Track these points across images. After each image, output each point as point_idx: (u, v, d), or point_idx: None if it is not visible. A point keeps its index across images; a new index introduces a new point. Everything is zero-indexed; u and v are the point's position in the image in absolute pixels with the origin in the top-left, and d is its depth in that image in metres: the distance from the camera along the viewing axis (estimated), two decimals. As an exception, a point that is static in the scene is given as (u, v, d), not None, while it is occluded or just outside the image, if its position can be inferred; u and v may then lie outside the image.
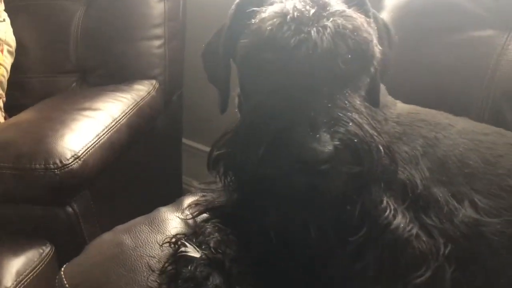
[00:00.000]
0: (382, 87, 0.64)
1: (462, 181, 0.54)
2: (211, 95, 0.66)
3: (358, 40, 0.49)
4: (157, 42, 1.38)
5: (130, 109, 1.14)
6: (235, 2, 0.57)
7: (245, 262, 0.54)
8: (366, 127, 0.48)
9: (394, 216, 0.50)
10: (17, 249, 0.86)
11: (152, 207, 0.81)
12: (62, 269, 0.62)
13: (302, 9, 0.49)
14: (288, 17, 0.49)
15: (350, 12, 0.51)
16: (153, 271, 0.53)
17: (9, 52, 1.32)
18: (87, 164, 0.91)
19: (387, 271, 0.52)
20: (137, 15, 1.38)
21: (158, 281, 0.51)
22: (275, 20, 0.49)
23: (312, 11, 0.49)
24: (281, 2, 0.51)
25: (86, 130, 0.98)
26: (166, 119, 1.41)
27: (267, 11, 0.50)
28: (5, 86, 1.30)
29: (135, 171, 1.21)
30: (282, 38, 0.48)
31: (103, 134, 1.00)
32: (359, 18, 0.51)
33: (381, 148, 0.49)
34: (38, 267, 0.86)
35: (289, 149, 0.45)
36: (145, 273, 0.55)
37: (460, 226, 0.52)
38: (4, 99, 1.30)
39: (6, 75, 1.30)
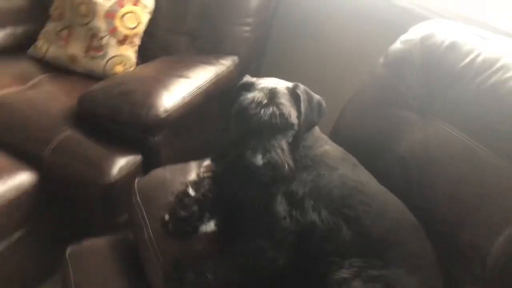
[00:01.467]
0: (317, 135, 1.11)
1: (321, 199, 1.01)
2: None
3: (283, 116, 0.97)
4: (246, 28, 1.89)
5: (211, 79, 1.69)
6: (238, 84, 1.06)
7: (218, 204, 1.10)
8: (282, 156, 0.97)
9: (281, 203, 1.01)
10: (123, 154, 1.50)
11: (202, 155, 1.36)
12: (137, 178, 1.24)
13: (261, 98, 0.97)
14: (254, 101, 0.97)
15: (284, 102, 0.98)
16: (172, 194, 1.11)
17: (148, 13, 1.91)
18: (170, 115, 1.50)
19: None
20: (237, 5, 1.88)
21: (173, 200, 1.09)
22: (248, 101, 0.98)
23: (265, 100, 0.97)
24: (254, 92, 1.00)
25: (177, 92, 1.55)
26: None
27: (247, 95, 0.99)
28: (141, 35, 1.92)
29: (199, 123, 1.76)
30: (249, 109, 0.98)
31: (187, 96, 1.57)
32: (287, 106, 0.98)
33: (286, 166, 0.98)
34: (132, 168, 1.50)
35: (242, 160, 0.97)
36: (170, 195, 1.12)
37: (305, 218, 1.00)
38: (139, 43, 1.92)
39: (143, 29, 1.91)
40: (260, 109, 0.97)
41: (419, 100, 1.18)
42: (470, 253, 0.99)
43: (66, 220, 1.54)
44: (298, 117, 1.03)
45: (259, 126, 0.97)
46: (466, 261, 1.00)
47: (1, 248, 1.42)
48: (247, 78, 1.07)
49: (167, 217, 1.06)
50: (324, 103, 1.10)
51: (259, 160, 0.93)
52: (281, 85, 1.05)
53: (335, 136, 1.30)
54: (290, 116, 0.99)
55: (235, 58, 1.87)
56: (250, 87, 1.03)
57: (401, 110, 1.20)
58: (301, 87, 1.07)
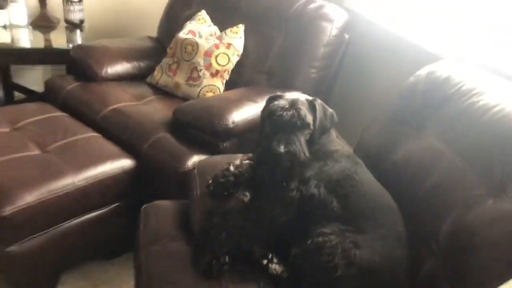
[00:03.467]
0: (332, 138, 1.46)
1: (322, 180, 1.33)
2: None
3: (300, 117, 1.33)
4: (313, 70, 2.32)
5: (275, 106, 2.12)
6: (269, 96, 1.45)
7: (250, 181, 1.49)
8: (299, 147, 1.34)
9: (293, 181, 1.35)
10: (198, 153, 1.96)
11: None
12: (197, 162, 1.69)
13: (284, 105, 1.36)
14: (279, 107, 1.36)
15: (302, 107, 1.35)
16: (218, 169, 1.51)
17: (237, 55, 2.44)
18: (237, 127, 1.96)
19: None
20: (308, 51, 2.33)
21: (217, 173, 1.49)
22: (275, 107, 1.37)
23: (288, 105, 1.35)
24: (280, 100, 1.38)
25: (245, 111, 2.01)
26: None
27: (275, 103, 1.38)
28: (229, 73, 2.44)
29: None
30: (276, 112, 1.37)
31: (252, 115, 2.02)
32: (304, 110, 1.34)
33: (302, 155, 1.34)
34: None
35: (270, 149, 1.35)
36: (217, 170, 1.53)
37: (308, 191, 1.31)
38: (227, 79, 2.44)
39: (231, 67, 2.43)
40: (284, 112, 1.36)
41: (417, 119, 1.48)
42: (429, 234, 1.25)
43: (151, 197, 2.02)
44: (314, 121, 1.40)
45: (282, 124, 1.35)
46: (427, 240, 1.25)
47: (101, 214, 1.92)
48: (277, 93, 1.48)
49: (210, 181, 1.48)
50: (335, 115, 1.46)
51: (282, 149, 1.31)
52: (302, 97, 1.43)
53: (359, 144, 1.64)
54: (306, 118, 1.36)
55: (300, 92, 2.28)
56: (278, 98, 1.43)
57: (402, 126, 1.51)
58: (318, 100, 1.45)
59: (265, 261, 1.31)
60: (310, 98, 1.45)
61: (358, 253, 1.18)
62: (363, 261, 1.18)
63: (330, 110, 1.46)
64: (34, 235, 1.71)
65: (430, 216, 1.26)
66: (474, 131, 1.26)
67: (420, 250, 1.26)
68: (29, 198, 1.64)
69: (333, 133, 1.52)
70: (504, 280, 0.87)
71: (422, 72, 1.56)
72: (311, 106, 1.41)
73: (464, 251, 1.10)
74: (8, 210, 1.59)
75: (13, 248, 1.67)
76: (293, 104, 1.37)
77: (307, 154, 1.35)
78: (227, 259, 1.27)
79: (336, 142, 1.50)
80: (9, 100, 3.23)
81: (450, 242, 1.17)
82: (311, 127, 1.38)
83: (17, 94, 3.33)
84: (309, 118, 1.37)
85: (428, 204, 1.28)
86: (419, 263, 1.26)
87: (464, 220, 1.14)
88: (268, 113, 1.40)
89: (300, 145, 1.34)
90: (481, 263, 1.05)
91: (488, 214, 1.10)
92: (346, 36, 2.41)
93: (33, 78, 3.42)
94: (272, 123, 1.38)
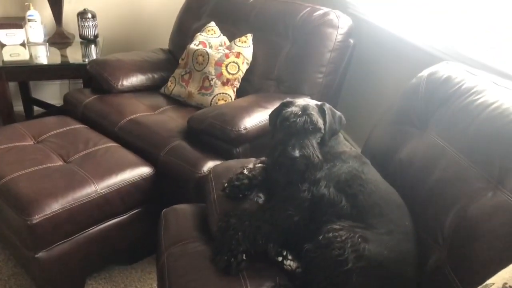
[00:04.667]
0: (340, 140, 1.54)
1: (331, 180, 1.41)
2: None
3: (312, 122, 1.41)
4: (319, 75, 2.40)
5: (285, 111, 2.21)
6: (281, 103, 1.54)
7: (264, 184, 1.57)
8: (313, 151, 1.42)
9: (304, 183, 1.43)
10: (212, 159, 2.05)
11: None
12: (212, 167, 1.77)
13: (297, 111, 1.43)
14: (292, 113, 1.43)
15: (313, 113, 1.42)
16: (233, 173, 1.59)
17: (247, 64, 2.53)
18: (248, 132, 2.04)
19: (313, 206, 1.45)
20: (314, 57, 2.41)
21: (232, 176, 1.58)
22: (288, 113, 1.44)
23: (300, 112, 1.43)
24: (292, 107, 1.46)
25: (255, 117, 2.10)
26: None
27: (287, 110, 1.46)
28: (240, 80, 2.53)
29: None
30: (289, 118, 1.44)
31: (263, 121, 2.10)
32: (315, 115, 1.42)
33: (316, 158, 1.42)
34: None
35: (285, 153, 1.43)
36: (231, 173, 1.61)
37: (319, 192, 1.39)
38: (238, 86, 2.53)
39: (242, 75, 2.52)
40: (296, 118, 1.44)
41: (419, 118, 1.55)
42: (434, 228, 1.31)
43: (170, 202, 2.12)
44: (324, 125, 1.48)
45: (296, 130, 1.43)
46: (433, 233, 1.32)
47: (123, 220, 2.02)
48: (288, 99, 1.56)
49: (225, 184, 1.56)
50: (343, 118, 1.54)
51: (297, 153, 1.39)
52: (312, 103, 1.51)
53: (366, 145, 1.72)
54: (318, 122, 1.44)
55: (309, 97, 2.37)
56: (289, 104, 1.51)
57: (406, 126, 1.58)
58: (327, 105, 1.52)
59: (280, 258, 1.39)
60: (319, 103, 1.52)
61: (367, 247, 1.26)
62: (372, 254, 1.25)
63: (338, 113, 1.53)
64: (61, 242, 1.81)
65: (435, 210, 1.33)
66: (474, 127, 1.33)
67: (426, 244, 1.33)
68: (56, 206, 1.74)
69: (341, 135, 1.59)
70: (504, 266, 0.93)
71: (424, 73, 1.63)
72: (321, 110, 1.48)
73: (467, 241, 1.17)
74: (37, 218, 1.69)
75: (41, 254, 1.77)
76: (305, 110, 1.45)
77: (320, 157, 1.43)
78: (244, 257, 1.36)
79: (344, 144, 1.58)
80: (29, 114, 3.36)
81: (454, 234, 1.24)
82: (323, 131, 1.46)
83: (36, 109, 3.46)
84: (321, 123, 1.45)
85: (433, 199, 1.35)
86: (426, 256, 1.32)
87: (466, 212, 1.21)
88: (281, 119, 1.47)
89: (313, 148, 1.42)
90: (483, 251, 1.11)
91: (488, 206, 1.16)
92: (351, 41, 2.49)
93: (51, 92, 3.55)
94: (285, 129, 1.45)
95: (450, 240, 1.25)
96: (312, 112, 1.45)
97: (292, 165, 1.40)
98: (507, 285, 0.80)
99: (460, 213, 1.23)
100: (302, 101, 1.52)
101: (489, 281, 0.86)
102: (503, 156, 1.20)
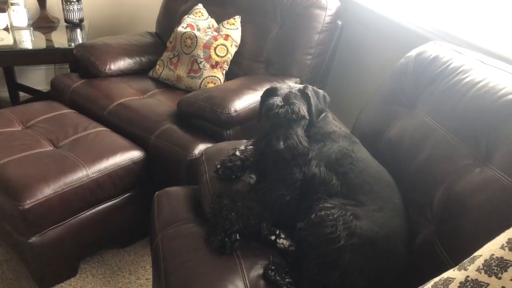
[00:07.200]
0: (329, 120, 1.56)
1: (322, 160, 1.43)
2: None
3: (294, 111, 1.42)
4: (308, 57, 2.41)
5: (274, 93, 2.22)
6: (264, 90, 1.54)
7: (255, 165, 1.59)
8: (297, 140, 1.43)
9: (296, 165, 1.45)
10: (203, 141, 2.07)
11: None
12: (204, 149, 1.78)
13: (279, 102, 1.44)
14: (275, 104, 1.44)
15: (295, 102, 1.43)
16: (225, 154, 1.61)
17: (235, 46, 2.53)
18: (239, 115, 2.05)
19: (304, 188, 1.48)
20: (303, 39, 2.41)
21: (224, 157, 1.59)
22: (271, 104, 1.45)
23: (282, 103, 1.44)
24: (274, 98, 1.47)
25: (245, 99, 2.10)
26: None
27: (270, 100, 1.47)
28: (229, 63, 2.53)
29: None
30: (272, 110, 1.45)
31: (253, 103, 2.11)
32: (297, 104, 1.43)
33: (301, 146, 1.44)
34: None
35: (270, 146, 1.44)
36: (224, 155, 1.63)
37: (310, 171, 1.42)
38: (227, 69, 2.53)
39: (230, 58, 2.52)
40: (279, 109, 1.45)
41: (408, 98, 1.57)
42: (424, 204, 1.35)
43: (162, 185, 2.13)
44: (309, 109, 1.49)
45: (279, 121, 1.44)
46: (422, 209, 1.35)
47: (115, 204, 2.03)
48: (272, 85, 1.56)
49: (218, 166, 1.58)
50: (327, 96, 1.55)
51: (281, 145, 1.40)
52: (294, 89, 1.51)
53: (356, 125, 1.74)
54: (300, 111, 1.45)
55: (297, 79, 2.38)
56: (272, 93, 1.52)
57: (395, 106, 1.61)
58: (309, 87, 1.53)
59: (273, 237, 1.42)
60: (301, 87, 1.53)
61: (358, 224, 1.28)
62: (363, 231, 1.28)
63: (321, 92, 1.55)
64: (54, 226, 1.82)
65: (424, 187, 1.36)
66: (461, 106, 1.35)
67: (416, 219, 1.36)
68: (47, 191, 1.74)
69: (329, 115, 1.61)
70: (491, 239, 0.96)
71: (412, 53, 1.65)
72: (304, 95, 1.50)
73: (455, 216, 1.20)
74: (28, 203, 1.69)
75: (34, 239, 1.78)
76: (287, 99, 1.45)
77: (305, 144, 1.44)
78: (238, 236, 1.38)
79: (333, 124, 1.59)
80: (15, 100, 3.32)
81: (442, 210, 1.27)
82: (307, 117, 1.47)
83: (22, 94, 3.42)
84: (303, 110, 1.46)
85: (422, 176, 1.38)
86: (416, 232, 1.36)
87: (454, 188, 1.24)
88: (265, 109, 1.48)
89: (298, 137, 1.44)
90: (470, 225, 1.15)
91: (475, 181, 1.19)
92: (339, 22, 2.50)
93: (37, 78, 3.51)
94: (269, 119, 1.46)
95: (439, 215, 1.28)
96: (295, 101, 1.45)
97: (278, 156, 1.42)
98: (494, 256, 0.83)
99: (448, 189, 1.26)
100: (285, 88, 1.52)
101: (476, 253, 0.89)
102: (489, 133, 1.23)
